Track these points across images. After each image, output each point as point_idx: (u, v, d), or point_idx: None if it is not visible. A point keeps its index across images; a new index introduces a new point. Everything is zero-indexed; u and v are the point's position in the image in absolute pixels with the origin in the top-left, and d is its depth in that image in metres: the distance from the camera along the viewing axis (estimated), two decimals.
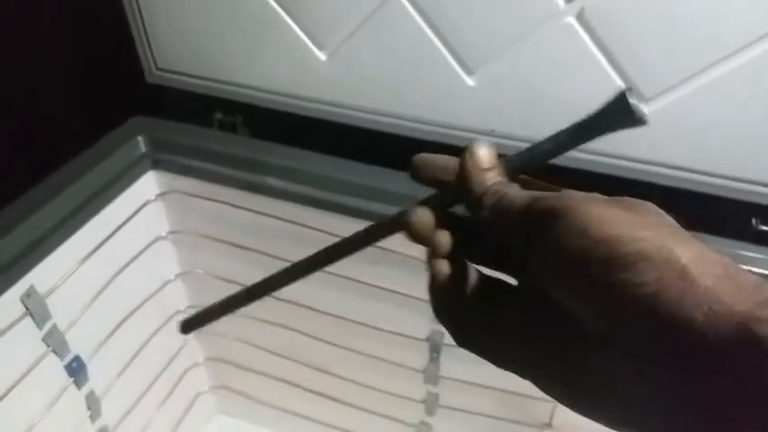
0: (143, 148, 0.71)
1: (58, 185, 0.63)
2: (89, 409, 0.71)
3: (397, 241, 0.69)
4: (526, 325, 0.25)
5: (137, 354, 0.77)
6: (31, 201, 0.61)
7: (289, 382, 0.87)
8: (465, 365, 0.72)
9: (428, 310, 0.28)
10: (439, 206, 0.27)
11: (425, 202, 0.28)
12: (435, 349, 0.73)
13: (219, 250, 0.76)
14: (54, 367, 0.65)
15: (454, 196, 0.27)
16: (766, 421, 0.18)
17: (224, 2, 0.66)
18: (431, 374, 0.76)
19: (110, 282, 0.70)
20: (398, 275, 0.67)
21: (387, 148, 0.68)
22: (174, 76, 0.74)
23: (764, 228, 0.62)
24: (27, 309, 0.60)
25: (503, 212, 0.24)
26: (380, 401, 0.81)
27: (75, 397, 0.69)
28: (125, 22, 0.72)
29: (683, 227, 0.22)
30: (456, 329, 0.27)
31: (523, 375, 0.25)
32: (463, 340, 0.26)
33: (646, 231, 0.21)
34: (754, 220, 0.63)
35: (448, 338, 0.71)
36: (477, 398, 0.75)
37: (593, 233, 0.21)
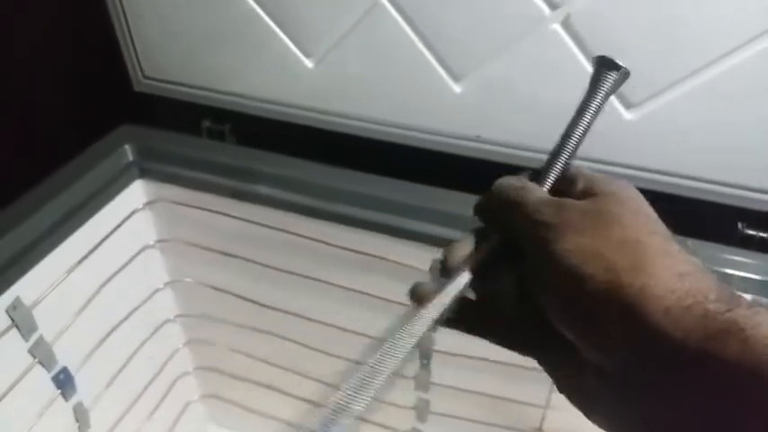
0: (130, 156, 0.70)
1: (45, 195, 0.62)
2: (77, 420, 0.70)
3: (389, 249, 0.69)
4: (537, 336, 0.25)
5: (126, 364, 0.76)
6: (18, 211, 0.60)
7: (279, 391, 0.86)
8: (455, 372, 0.72)
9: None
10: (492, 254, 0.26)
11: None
12: (426, 356, 0.73)
13: (208, 258, 0.76)
14: (41, 379, 0.64)
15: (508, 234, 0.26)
16: None
17: (211, 11, 0.66)
18: (422, 381, 0.75)
19: (98, 291, 0.69)
20: (389, 283, 0.67)
21: (375, 154, 0.69)
22: (162, 85, 0.74)
23: (751, 232, 0.63)
24: (13, 321, 0.59)
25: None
26: (372, 409, 0.81)
27: (63, 409, 0.68)
28: (112, 31, 0.71)
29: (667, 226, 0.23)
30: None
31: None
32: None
33: (596, 263, 0.21)
34: (740, 225, 0.63)
35: (438, 345, 0.71)
36: (467, 404, 0.75)
37: (556, 267, 0.22)
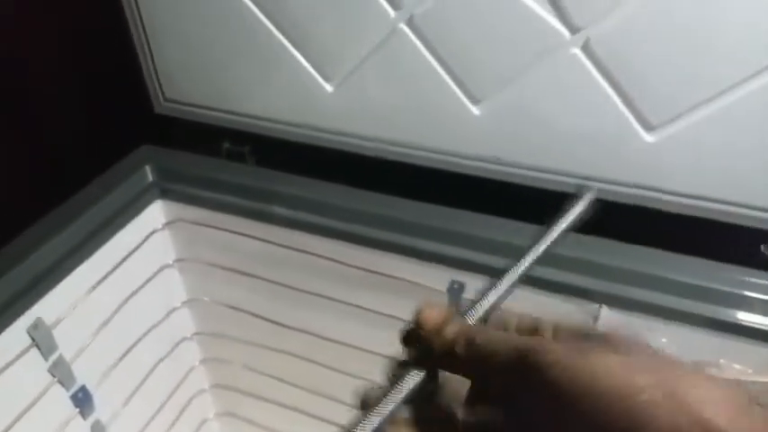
0: (151, 177, 0.71)
1: (67, 216, 0.63)
2: None
3: (406, 269, 0.69)
4: None
5: (143, 382, 0.76)
6: (40, 232, 0.61)
7: (294, 409, 0.86)
8: None
9: None
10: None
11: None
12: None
13: (226, 278, 0.76)
14: (60, 398, 0.65)
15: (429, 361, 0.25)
16: None
17: (232, 34, 0.67)
18: None
19: (116, 311, 0.70)
20: (406, 304, 0.66)
21: (393, 176, 0.69)
22: (183, 107, 0.75)
23: None
24: (33, 340, 0.60)
25: (480, 360, 0.23)
26: None
27: (81, 427, 0.68)
28: (133, 54, 0.73)
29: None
30: None
31: None
32: None
33: (647, 376, 0.19)
34: (763, 247, 0.63)
35: None
36: None
37: (590, 389, 0.19)
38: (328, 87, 0.66)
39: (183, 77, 0.73)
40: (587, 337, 0.23)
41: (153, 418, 0.80)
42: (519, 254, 0.28)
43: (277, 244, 0.70)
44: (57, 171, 0.80)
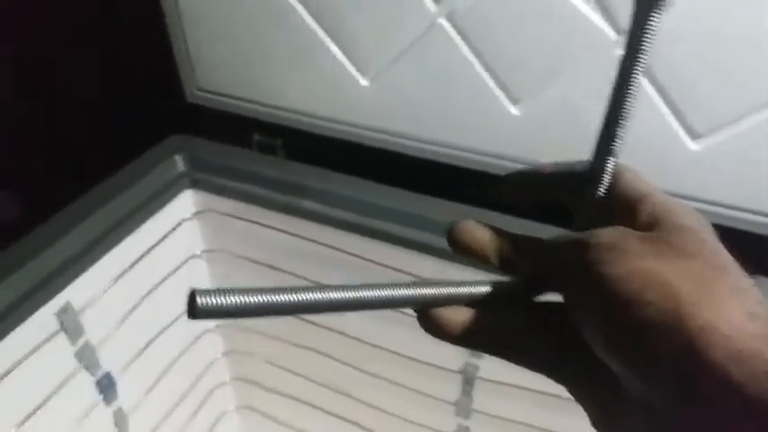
0: (181, 166, 0.71)
1: (96, 202, 0.63)
2: (116, 426, 0.71)
3: (436, 270, 0.68)
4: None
5: (165, 371, 0.76)
6: (70, 217, 0.61)
7: (315, 406, 0.86)
8: (499, 400, 0.70)
9: None
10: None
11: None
12: (469, 382, 0.71)
13: (253, 270, 0.76)
14: (84, 383, 0.65)
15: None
16: None
17: (267, 25, 0.66)
18: (463, 407, 0.74)
19: (143, 299, 0.70)
20: None
21: (427, 174, 0.68)
22: (215, 97, 0.75)
23: None
24: (61, 324, 0.60)
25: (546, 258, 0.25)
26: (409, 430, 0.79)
27: (104, 414, 0.68)
28: (167, 43, 0.72)
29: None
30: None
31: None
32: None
33: (657, 290, 0.19)
34: None
35: (482, 372, 0.69)
36: None
37: (609, 290, 0.20)
38: (363, 81, 0.66)
39: (217, 68, 0.72)
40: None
41: (174, 408, 0.80)
42: None
43: (305, 238, 0.69)
44: (86, 158, 0.81)
